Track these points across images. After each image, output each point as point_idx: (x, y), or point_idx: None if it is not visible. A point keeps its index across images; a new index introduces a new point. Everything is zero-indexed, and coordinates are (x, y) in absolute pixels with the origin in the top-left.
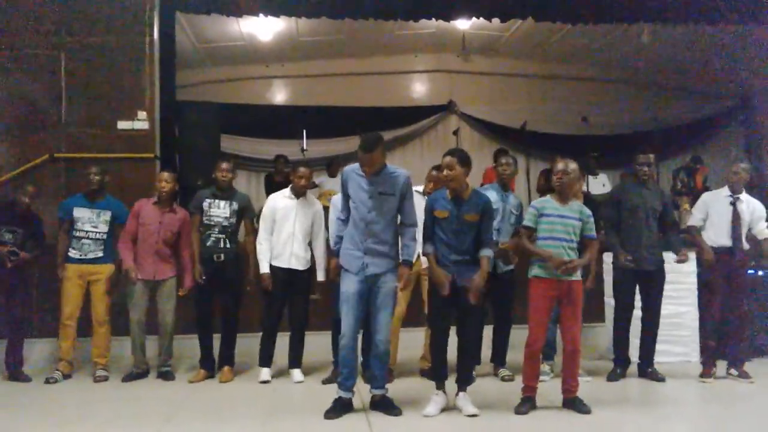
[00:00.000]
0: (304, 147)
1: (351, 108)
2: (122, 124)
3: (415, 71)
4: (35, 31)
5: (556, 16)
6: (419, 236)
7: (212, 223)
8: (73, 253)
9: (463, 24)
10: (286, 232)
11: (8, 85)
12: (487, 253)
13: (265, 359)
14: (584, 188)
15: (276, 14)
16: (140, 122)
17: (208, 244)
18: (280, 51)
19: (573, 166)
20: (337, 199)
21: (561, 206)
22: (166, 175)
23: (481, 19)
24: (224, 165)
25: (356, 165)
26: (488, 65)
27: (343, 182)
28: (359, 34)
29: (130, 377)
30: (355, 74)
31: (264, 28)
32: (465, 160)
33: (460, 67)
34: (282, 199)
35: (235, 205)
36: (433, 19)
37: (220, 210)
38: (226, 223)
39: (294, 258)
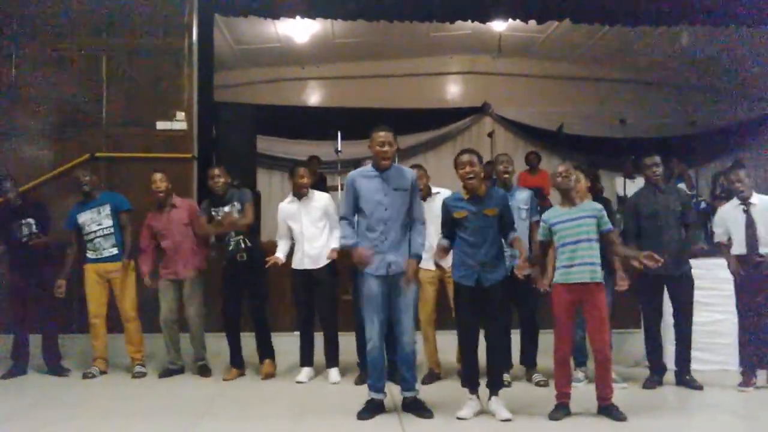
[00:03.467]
0: (339, 148)
1: (385, 110)
2: (161, 125)
3: (449, 73)
4: (77, 34)
5: (593, 18)
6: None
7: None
8: (90, 254)
9: (499, 25)
10: (296, 234)
11: (51, 86)
12: (515, 234)
13: (303, 359)
14: (621, 192)
15: (312, 16)
16: (179, 123)
17: (230, 248)
18: (316, 53)
19: (570, 166)
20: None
21: (570, 209)
22: (158, 176)
23: (518, 20)
24: (215, 172)
25: (362, 169)
26: (524, 67)
27: (349, 187)
28: (394, 36)
29: (166, 373)
30: (390, 76)
31: (300, 30)
32: (481, 158)
33: (495, 68)
34: (287, 205)
35: (237, 205)
36: (469, 20)
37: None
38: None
39: (307, 258)
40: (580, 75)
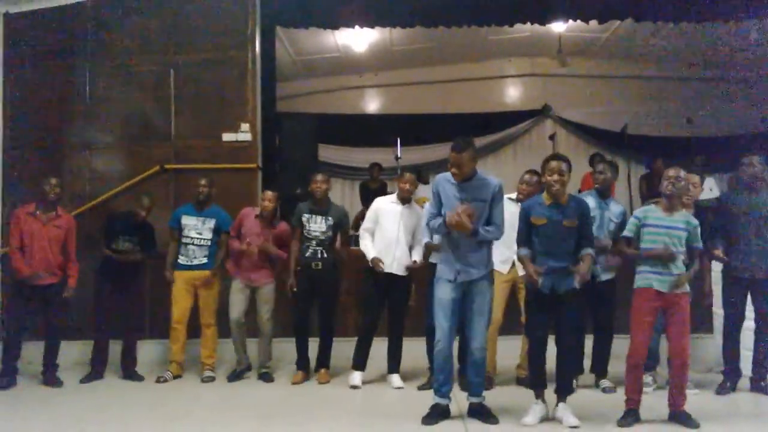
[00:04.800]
0: (398, 155)
1: (444, 115)
2: (227, 136)
3: (509, 76)
4: (146, 50)
5: (657, 16)
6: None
7: (310, 236)
8: (181, 260)
9: (558, 27)
10: (389, 236)
11: (122, 100)
12: (589, 251)
13: (359, 363)
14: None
15: (371, 25)
16: (243, 134)
17: (307, 255)
18: (374, 61)
19: (684, 173)
20: (428, 207)
21: (666, 215)
22: (269, 194)
23: (578, 21)
24: (319, 177)
25: (448, 173)
26: (585, 67)
27: (435, 190)
28: (452, 40)
29: (233, 377)
30: (448, 81)
31: (358, 39)
32: (570, 166)
33: (555, 70)
34: (388, 204)
35: (330, 220)
36: (528, 23)
37: (317, 225)
38: (323, 237)
39: (396, 263)
40: (644, 74)
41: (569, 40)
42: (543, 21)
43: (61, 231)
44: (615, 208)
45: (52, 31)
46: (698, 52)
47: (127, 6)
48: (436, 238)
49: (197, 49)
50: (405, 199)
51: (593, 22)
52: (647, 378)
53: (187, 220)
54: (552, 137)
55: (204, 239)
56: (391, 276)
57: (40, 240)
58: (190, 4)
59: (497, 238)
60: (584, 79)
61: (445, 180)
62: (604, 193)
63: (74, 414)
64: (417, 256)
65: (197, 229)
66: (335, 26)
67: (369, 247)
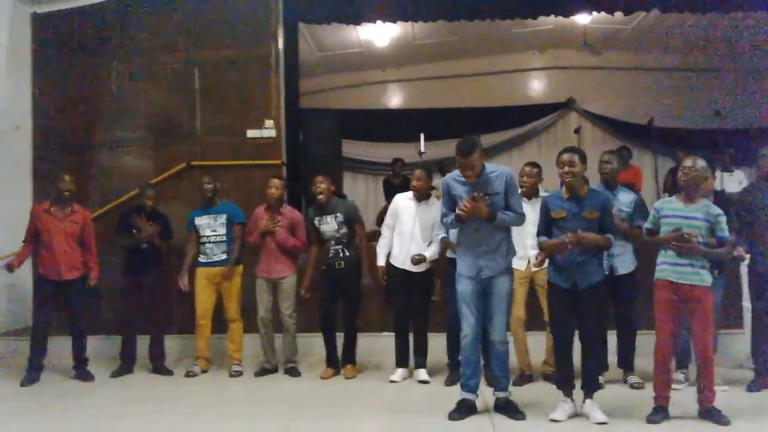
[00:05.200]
0: (422, 150)
1: (467, 109)
2: (251, 133)
3: (532, 69)
4: (171, 48)
5: (683, 7)
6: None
7: (326, 237)
8: (201, 258)
9: (583, 18)
10: (405, 233)
11: (148, 98)
12: (608, 235)
13: (398, 360)
14: (718, 186)
15: (393, 20)
16: (267, 130)
17: (330, 255)
18: (397, 56)
19: (701, 163)
20: (441, 206)
21: (684, 206)
22: (275, 182)
23: (603, 13)
24: (318, 178)
25: (455, 172)
26: (610, 59)
27: (445, 191)
28: (475, 34)
29: (261, 372)
30: (471, 75)
31: (381, 34)
32: (584, 157)
33: (580, 62)
34: (405, 200)
35: (340, 216)
36: (552, 16)
37: (328, 225)
38: (337, 235)
39: (410, 260)
40: (670, 65)
41: (594, 32)
42: (567, 13)
43: (77, 226)
44: (624, 197)
45: (78, 31)
46: (726, 43)
47: (152, 5)
48: (453, 234)
49: (221, 46)
50: (420, 196)
51: (618, 14)
52: (679, 375)
53: (200, 221)
54: (577, 131)
55: (219, 235)
56: (408, 273)
57: (58, 236)
58: (214, 3)
59: (519, 224)
60: (609, 72)
61: (453, 180)
62: (611, 184)
63: (106, 408)
64: (430, 251)
65: (210, 226)
66: (357, 21)
67: (381, 252)
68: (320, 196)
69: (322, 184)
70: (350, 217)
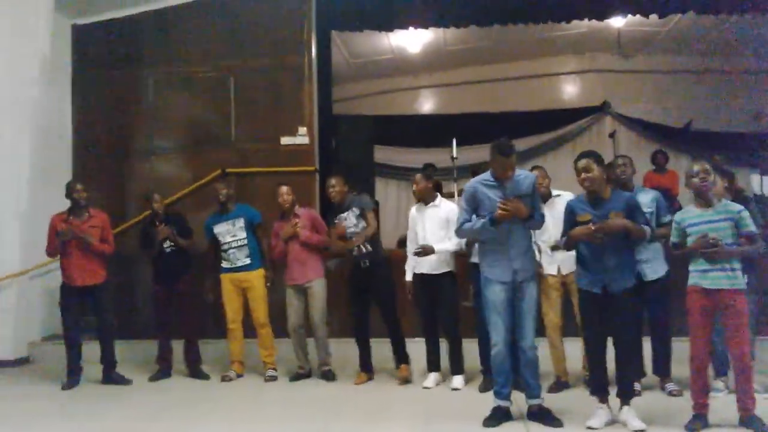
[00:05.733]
0: (454, 155)
1: (500, 114)
2: (285, 140)
3: (566, 72)
4: (206, 58)
5: (719, 8)
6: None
7: (350, 235)
8: (225, 264)
9: (617, 21)
10: (419, 239)
11: (184, 106)
12: (643, 226)
13: (429, 364)
14: (758, 189)
15: (426, 26)
16: (301, 137)
17: (354, 254)
18: (428, 61)
19: (707, 166)
20: (460, 214)
21: (704, 211)
22: (284, 188)
23: (637, 16)
24: (332, 181)
25: (481, 176)
26: (646, 62)
27: (470, 196)
28: (507, 38)
29: (295, 377)
30: (504, 79)
31: (412, 41)
32: (601, 160)
33: (614, 65)
34: (414, 211)
35: (356, 211)
36: (586, 19)
37: (349, 222)
38: (357, 230)
39: (426, 263)
40: (707, 68)
41: (628, 34)
42: (602, 16)
43: (97, 230)
44: (644, 197)
45: (117, 41)
46: (764, 43)
47: (188, 15)
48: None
49: (255, 55)
50: (424, 200)
51: (653, 16)
52: (718, 384)
53: (219, 228)
54: (612, 135)
55: (239, 239)
56: (426, 277)
57: (79, 243)
58: (248, 13)
59: (541, 227)
60: (644, 75)
61: (481, 184)
62: (627, 187)
63: (148, 411)
64: (442, 245)
65: (230, 232)
66: (389, 28)
67: (408, 268)
68: (334, 198)
69: (335, 186)
70: (363, 207)
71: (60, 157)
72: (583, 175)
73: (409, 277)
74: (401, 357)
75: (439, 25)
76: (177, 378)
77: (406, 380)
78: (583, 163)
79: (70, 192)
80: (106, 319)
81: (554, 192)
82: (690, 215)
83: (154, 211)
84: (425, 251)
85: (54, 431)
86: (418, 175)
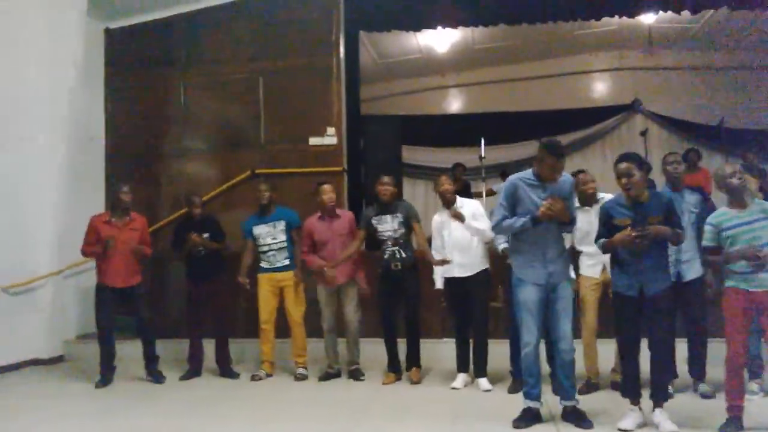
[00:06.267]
0: (482, 154)
1: (528, 113)
2: (314, 140)
3: (596, 70)
4: (236, 60)
5: (753, 3)
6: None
7: (384, 237)
8: (264, 264)
9: (648, 18)
10: (445, 244)
11: (214, 108)
12: (678, 231)
13: (459, 365)
14: None
15: (454, 26)
16: (329, 138)
17: (386, 256)
18: (456, 60)
19: (738, 166)
20: (498, 211)
21: (742, 212)
22: (328, 186)
23: (669, 12)
24: (386, 179)
25: (523, 174)
26: (677, 59)
27: (510, 192)
28: (535, 37)
29: (325, 377)
30: (532, 78)
31: (440, 40)
32: (642, 162)
33: (645, 63)
34: (437, 217)
35: (400, 217)
36: (617, 16)
37: (387, 225)
38: (396, 235)
39: (457, 268)
40: (741, 64)
41: (659, 31)
42: (632, 13)
43: (137, 233)
44: (691, 198)
45: (148, 44)
46: None
47: (218, 18)
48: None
49: (284, 56)
50: (448, 204)
51: (685, 13)
52: (753, 386)
53: (259, 230)
54: (643, 133)
55: (280, 242)
56: (458, 280)
57: (121, 245)
58: (277, 15)
59: (571, 231)
60: (676, 72)
61: (522, 182)
62: (676, 185)
63: (178, 409)
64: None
65: (270, 234)
66: (417, 28)
67: (437, 276)
68: (385, 196)
69: (389, 185)
70: (409, 217)
71: (93, 159)
72: (624, 180)
73: (439, 285)
74: (414, 360)
75: (467, 24)
76: (207, 377)
77: (416, 383)
78: (623, 167)
79: (116, 194)
80: (144, 317)
81: (599, 195)
82: (725, 218)
83: (192, 214)
84: (444, 261)
85: (87, 428)
86: (443, 177)
